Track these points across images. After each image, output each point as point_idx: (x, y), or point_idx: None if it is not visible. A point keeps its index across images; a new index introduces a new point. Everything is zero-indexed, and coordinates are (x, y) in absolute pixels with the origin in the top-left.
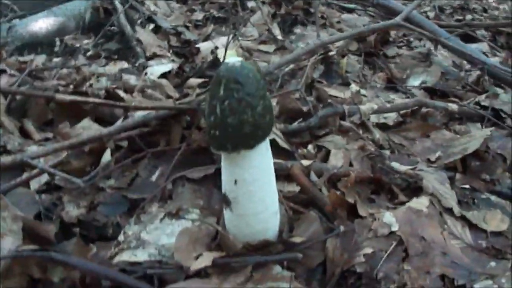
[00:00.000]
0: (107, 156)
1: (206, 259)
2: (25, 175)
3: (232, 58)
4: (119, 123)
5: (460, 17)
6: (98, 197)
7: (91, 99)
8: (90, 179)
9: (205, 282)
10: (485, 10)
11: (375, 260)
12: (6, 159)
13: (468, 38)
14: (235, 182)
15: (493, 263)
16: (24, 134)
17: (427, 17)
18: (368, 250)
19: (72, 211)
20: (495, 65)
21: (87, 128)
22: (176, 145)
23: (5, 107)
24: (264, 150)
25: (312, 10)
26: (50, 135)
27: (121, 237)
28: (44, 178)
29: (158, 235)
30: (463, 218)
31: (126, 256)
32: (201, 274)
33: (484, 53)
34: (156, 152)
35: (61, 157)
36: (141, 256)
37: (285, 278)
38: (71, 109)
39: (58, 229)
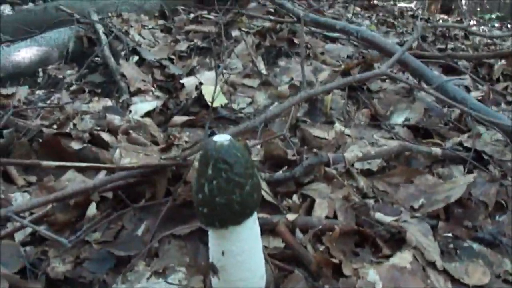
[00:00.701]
0: (92, 210)
1: None
2: (9, 227)
3: (220, 136)
4: (103, 175)
5: (443, 46)
6: (84, 251)
7: (77, 164)
8: (77, 237)
9: None
10: (466, 37)
11: None
12: None
13: (451, 69)
14: (223, 253)
15: None
16: (6, 177)
17: (410, 47)
18: None
19: (58, 267)
20: (482, 116)
21: (72, 180)
22: (161, 198)
23: None
24: (251, 224)
25: (296, 41)
26: (33, 178)
27: None
28: (29, 229)
29: None
30: (445, 272)
31: None
32: None
33: (466, 87)
34: (142, 206)
35: (45, 209)
36: None
37: None
38: (54, 151)
39: (44, 286)
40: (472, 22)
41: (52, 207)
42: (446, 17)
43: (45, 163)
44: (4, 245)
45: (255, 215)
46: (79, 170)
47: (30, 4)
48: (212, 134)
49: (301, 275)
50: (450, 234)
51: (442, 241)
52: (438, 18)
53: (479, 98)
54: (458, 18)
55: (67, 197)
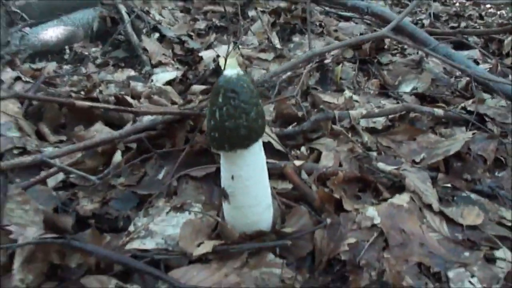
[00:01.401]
0: (117, 157)
1: (207, 246)
2: (42, 174)
3: (230, 70)
4: (128, 126)
5: (455, 24)
6: (110, 193)
7: (107, 105)
8: (103, 177)
9: (206, 266)
10: (481, 17)
11: (358, 249)
12: (27, 158)
13: (462, 45)
14: (232, 177)
15: (467, 253)
16: (40, 136)
17: (422, 25)
18: (352, 240)
19: (87, 205)
20: (481, 75)
21: (100, 131)
22: (180, 147)
23: (23, 112)
24: (257, 150)
25: (311, 20)
26: (63, 137)
27: (131, 228)
28: (60, 176)
29: (164, 226)
30: (441, 214)
31: (136, 244)
32: (202, 260)
33: (475, 60)
34: (162, 153)
35: (76, 157)
36: (149, 244)
37: (277, 265)
38: (82, 114)
39: (74, 222)
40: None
41: (81, 155)
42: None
43: (79, 102)
44: (38, 189)
45: (261, 143)
46: (102, 116)
47: None
48: None
49: (305, 209)
50: (449, 185)
51: (441, 191)
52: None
53: (487, 70)
54: None
55: (95, 145)
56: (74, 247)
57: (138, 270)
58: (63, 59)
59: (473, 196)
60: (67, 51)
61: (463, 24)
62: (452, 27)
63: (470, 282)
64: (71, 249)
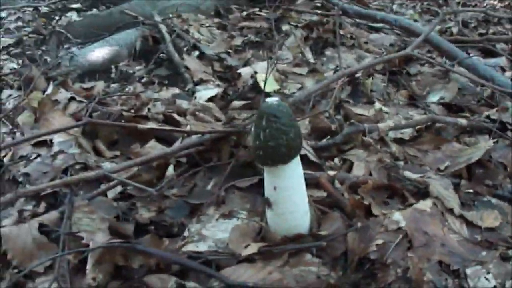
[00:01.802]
0: (170, 170)
1: (253, 248)
2: (102, 187)
3: (271, 98)
4: (178, 143)
5: (483, 31)
6: (165, 203)
7: (163, 127)
8: (160, 189)
9: (252, 265)
10: (511, 21)
11: (386, 249)
12: (91, 173)
13: (489, 52)
14: (275, 188)
15: (484, 253)
16: (97, 152)
17: (451, 33)
18: (380, 241)
19: (145, 214)
20: (501, 88)
21: (154, 148)
22: (226, 161)
23: (80, 130)
24: (295, 165)
25: (342, 32)
26: (117, 153)
27: (186, 233)
28: (118, 189)
29: (215, 231)
30: (462, 217)
31: (190, 247)
32: (249, 259)
33: (502, 67)
34: (210, 167)
35: (133, 171)
36: (202, 247)
37: (314, 264)
38: (132, 131)
39: (134, 228)
40: None
41: (138, 169)
42: (496, 2)
43: (141, 126)
44: (100, 200)
45: (298, 158)
46: (159, 139)
47: (94, 10)
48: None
49: (339, 214)
50: (471, 191)
51: (463, 196)
52: (485, 4)
53: None
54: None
55: (150, 161)
56: (137, 250)
57: (193, 269)
58: (110, 78)
59: (494, 200)
60: (113, 70)
61: (491, 30)
62: (481, 34)
63: (485, 278)
64: (135, 252)
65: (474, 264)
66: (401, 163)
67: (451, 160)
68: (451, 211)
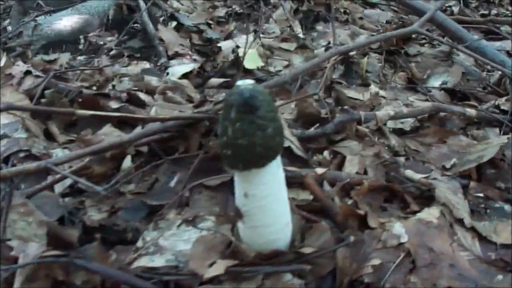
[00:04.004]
0: (127, 162)
1: (219, 267)
2: (49, 179)
3: (243, 81)
4: (138, 129)
5: (485, 12)
6: (119, 202)
7: (110, 114)
8: (111, 186)
9: None
10: None
11: (383, 271)
12: (31, 165)
13: (492, 34)
14: (246, 195)
15: (500, 276)
16: (49, 136)
17: (452, 12)
18: (377, 261)
19: (94, 215)
20: None
21: (109, 134)
22: (194, 152)
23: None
24: (275, 168)
25: (335, 6)
26: (73, 136)
27: (139, 243)
28: (68, 181)
29: (175, 242)
30: (473, 230)
31: (144, 262)
32: (214, 281)
33: (508, 52)
34: (175, 159)
35: (83, 162)
36: (158, 261)
37: (295, 286)
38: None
39: (80, 233)
40: None
41: (89, 160)
42: None
43: (80, 112)
44: (45, 196)
45: (279, 160)
46: (114, 124)
47: None
48: None
49: (327, 225)
50: (481, 195)
51: (472, 201)
52: None
53: None
54: None
55: (104, 150)
56: (78, 265)
57: None
58: (77, 50)
59: (507, 207)
60: (82, 40)
61: (494, 11)
62: (483, 15)
63: None
64: (75, 267)
65: None
66: (402, 159)
67: (458, 157)
68: (460, 221)
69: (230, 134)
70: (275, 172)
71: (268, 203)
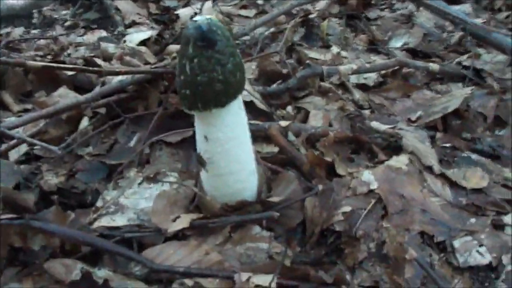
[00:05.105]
0: (84, 123)
1: (183, 221)
2: (3, 146)
3: (201, 16)
4: (96, 89)
5: None
6: (77, 164)
7: (64, 65)
8: (67, 146)
9: (184, 244)
10: None
11: (354, 218)
12: None
13: (454, 1)
14: (206, 139)
15: (473, 220)
16: (2, 106)
17: None
18: (347, 209)
19: (51, 179)
20: (477, 24)
21: (64, 96)
22: (153, 110)
23: None
24: (236, 109)
25: None
26: (29, 106)
27: (99, 203)
28: (23, 148)
29: (136, 200)
30: (443, 176)
31: (105, 222)
32: (179, 236)
33: (466, 15)
34: (134, 118)
35: (39, 126)
36: (119, 221)
37: (264, 239)
38: (49, 79)
39: (38, 198)
40: None
41: (45, 123)
42: None
43: (30, 62)
44: None
45: (241, 101)
46: (70, 87)
47: None
48: None
49: (294, 174)
50: (448, 145)
51: (440, 151)
52: None
53: None
54: None
55: (59, 112)
56: (34, 228)
57: (107, 251)
58: (31, 24)
59: (474, 156)
60: (36, 15)
61: None
62: None
63: (478, 252)
64: (32, 230)
65: (463, 234)
66: (367, 112)
67: (423, 109)
68: (429, 169)
69: (188, 71)
70: (237, 113)
71: (232, 147)
